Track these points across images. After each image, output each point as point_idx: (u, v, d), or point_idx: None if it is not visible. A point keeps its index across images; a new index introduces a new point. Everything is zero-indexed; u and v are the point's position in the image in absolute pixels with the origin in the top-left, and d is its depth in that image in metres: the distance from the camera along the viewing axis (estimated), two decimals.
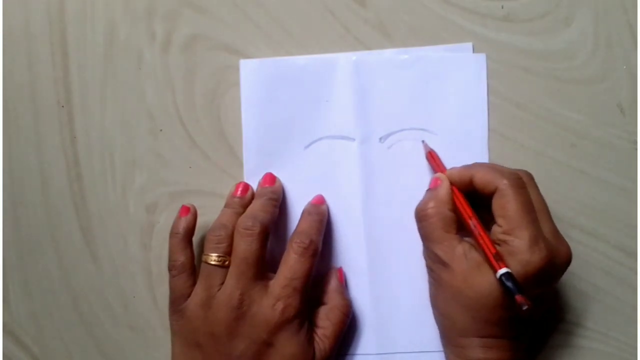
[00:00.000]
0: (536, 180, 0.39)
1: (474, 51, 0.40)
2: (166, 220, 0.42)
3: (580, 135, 0.40)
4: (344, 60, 0.40)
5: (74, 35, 0.42)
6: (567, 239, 0.39)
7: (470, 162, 0.39)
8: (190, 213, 0.39)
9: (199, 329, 0.37)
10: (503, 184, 0.34)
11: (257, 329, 0.36)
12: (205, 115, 0.42)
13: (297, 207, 0.41)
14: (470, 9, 0.40)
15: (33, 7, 0.42)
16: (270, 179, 0.40)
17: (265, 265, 0.37)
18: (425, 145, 0.39)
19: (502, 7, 0.40)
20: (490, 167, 0.36)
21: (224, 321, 0.36)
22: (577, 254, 0.40)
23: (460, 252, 0.34)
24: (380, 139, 0.40)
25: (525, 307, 0.30)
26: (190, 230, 0.39)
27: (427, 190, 0.37)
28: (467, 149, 0.40)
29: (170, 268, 0.38)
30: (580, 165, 0.40)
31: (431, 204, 0.36)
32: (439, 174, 0.37)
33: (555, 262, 0.33)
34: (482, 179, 0.35)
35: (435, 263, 0.35)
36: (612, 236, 0.40)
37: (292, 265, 0.36)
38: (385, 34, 0.40)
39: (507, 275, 0.31)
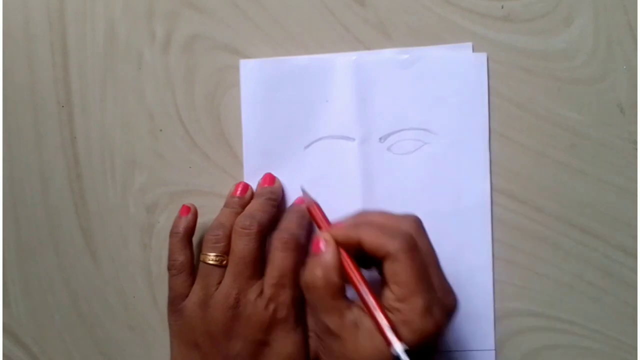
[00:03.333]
0: (536, 180, 0.40)
1: (474, 51, 0.40)
2: (166, 220, 0.42)
3: (580, 135, 0.40)
4: (344, 60, 0.40)
5: (74, 35, 0.42)
6: (567, 239, 0.40)
7: (471, 162, 0.39)
8: (190, 213, 0.39)
9: (196, 329, 0.37)
10: (394, 249, 0.31)
11: (252, 329, 0.36)
12: (205, 115, 0.42)
13: None
14: (470, 9, 0.40)
15: (33, 7, 0.42)
16: (270, 179, 0.40)
17: (263, 265, 0.37)
18: (305, 195, 0.37)
19: (502, 7, 0.40)
20: (377, 226, 0.33)
21: (221, 321, 0.36)
22: (577, 254, 0.40)
23: (350, 320, 0.32)
24: (380, 139, 0.40)
25: None
26: (190, 230, 0.39)
27: (311, 255, 0.33)
28: (468, 148, 0.39)
29: (170, 267, 0.38)
30: (580, 165, 0.40)
31: (319, 273, 0.32)
32: (324, 235, 0.33)
33: (446, 318, 0.32)
34: (370, 244, 0.32)
35: (324, 333, 0.33)
36: (612, 236, 0.40)
37: (277, 262, 0.36)
38: (385, 34, 0.40)
39: (406, 352, 0.30)
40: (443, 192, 0.39)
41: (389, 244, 0.31)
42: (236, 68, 0.41)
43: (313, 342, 0.37)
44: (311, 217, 0.36)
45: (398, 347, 0.30)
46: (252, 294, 0.36)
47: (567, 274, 0.40)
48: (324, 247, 0.33)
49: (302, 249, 0.37)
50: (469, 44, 0.40)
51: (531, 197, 0.40)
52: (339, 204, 0.40)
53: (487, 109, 0.39)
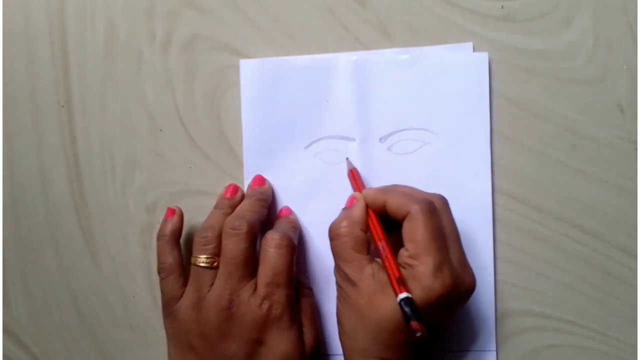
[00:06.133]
0: (536, 180, 0.40)
1: (474, 51, 0.40)
2: None
3: (580, 135, 0.40)
4: (344, 60, 0.40)
5: (74, 35, 0.42)
6: (567, 239, 0.40)
7: (472, 162, 0.39)
8: (176, 215, 0.40)
9: (191, 331, 0.37)
10: (414, 209, 0.33)
11: (247, 328, 0.36)
12: (205, 115, 0.42)
13: (296, 208, 0.41)
14: (470, 9, 0.40)
15: (33, 7, 0.42)
16: (260, 180, 0.40)
17: (255, 264, 0.37)
18: (349, 163, 0.40)
19: (502, 7, 0.40)
20: (403, 192, 0.35)
21: (215, 322, 0.36)
22: (577, 254, 0.40)
23: (368, 272, 0.34)
24: (381, 139, 0.40)
25: (418, 334, 0.30)
26: (177, 232, 0.39)
27: (343, 209, 0.37)
28: (469, 148, 0.39)
29: (159, 271, 0.38)
30: (580, 165, 0.40)
31: (344, 223, 0.35)
32: (355, 193, 0.37)
33: (458, 290, 0.33)
34: (394, 204, 0.34)
35: (344, 281, 0.35)
36: (612, 236, 0.40)
37: (271, 261, 0.36)
38: (385, 34, 0.40)
39: (406, 300, 0.31)
40: (444, 192, 0.39)
41: (409, 205, 0.34)
42: (236, 68, 0.41)
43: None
44: (350, 181, 0.39)
45: (402, 295, 0.32)
46: (245, 293, 0.36)
47: (567, 274, 0.40)
48: (354, 203, 0.36)
49: (295, 250, 0.37)
50: (469, 44, 0.40)
51: (531, 197, 0.40)
52: (339, 204, 0.40)
53: (488, 109, 0.39)
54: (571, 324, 0.40)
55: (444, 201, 0.36)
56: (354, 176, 0.39)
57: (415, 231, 0.33)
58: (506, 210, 0.40)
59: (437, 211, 0.34)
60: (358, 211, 0.36)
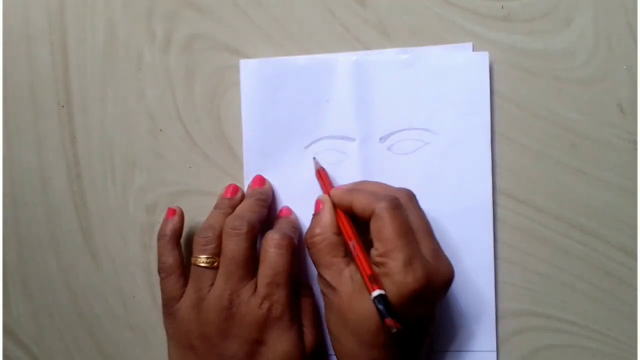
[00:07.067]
0: (536, 180, 0.40)
1: (474, 51, 0.40)
2: None
3: (580, 135, 0.40)
4: (344, 60, 0.40)
5: (74, 35, 0.42)
6: (567, 239, 0.40)
7: (472, 162, 0.39)
8: (176, 215, 0.40)
9: (191, 331, 0.37)
10: (379, 208, 0.33)
11: (247, 328, 0.36)
12: (205, 115, 0.42)
13: (296, 208, 0.41)
14: (470, 9, 0.40)
15: (33, 7, 0.42)
16: (260, 180, 0.40)
17: (255, 264, 0.37)
18: (316, 163, 0.40)
19: (502, 7, 0.40)
20: (368, 191, 0.35)
21: (215, 322, 0.36)
22: (577, 254, 0.40)
23: (346, 276, 0.34)
24: (380, 139, 0.40)
25: (394, 330, 0.31)
26: (178, 232, 0.39)
27: (313, 215, 0.37)
28: (469, 149, 0.39)
29: (160, 270, 0.38)
30: (580, 165, 0.40)
31: (317, 231, 0.36)
32: (321, 197, 0.37)
33: (434, 281, 0.33)
34: (359, 205, 0.35)
35: (326, 287, 0.35)
36: (612, 236, 0.40)
37: (271, 261, 0.36)
38: (385, 34, 0.40)
39: (379, 297, 0.31)
40: (444, 192, 0.39)
41: (373, 204, 0.34)
42: (236, 68, 0.41)
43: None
44: (318, 180, 0.39)
45: (374, 293, 0.32)
46: (245, 293, 0.36)
47: (567, 274, 0.40)
48: (322, 207, 0.37)
49: (295, 250, 0.37)
50: (469, 44, 0.40)
51: (531, 197, 0.40)
52: None
53: (489, 109, 0.39)
54: (571, 324, 0.40)
55: (410, 195, 0.36)
56: (322, 176, 0.39)
57: (381, 230, 0.33)
58: (506, 210, 0.40)
59: (402, 207, 0.34)
60: (327, 215, 0.36)
